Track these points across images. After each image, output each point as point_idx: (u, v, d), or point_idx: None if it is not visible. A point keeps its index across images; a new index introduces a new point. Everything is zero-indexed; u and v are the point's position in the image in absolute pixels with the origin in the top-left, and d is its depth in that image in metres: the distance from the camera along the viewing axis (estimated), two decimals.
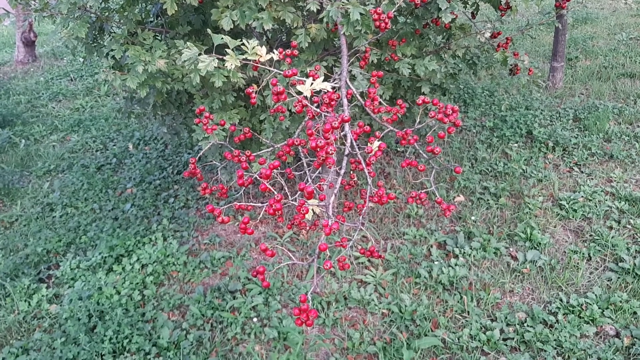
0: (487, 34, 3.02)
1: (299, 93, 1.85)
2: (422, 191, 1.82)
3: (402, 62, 2.93)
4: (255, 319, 3.16)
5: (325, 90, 1.83)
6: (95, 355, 2.94)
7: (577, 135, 5.00)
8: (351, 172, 2.00)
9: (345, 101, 1.99)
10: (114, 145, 5.73)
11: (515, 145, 4.91)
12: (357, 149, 1.84)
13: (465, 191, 4.31)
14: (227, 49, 2.02)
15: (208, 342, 3.05)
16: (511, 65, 3.47)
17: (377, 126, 3.07)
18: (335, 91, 2.10)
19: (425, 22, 3.00)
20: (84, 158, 5.45)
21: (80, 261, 3.72)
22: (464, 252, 3.59)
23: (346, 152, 1.71)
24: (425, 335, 3.00)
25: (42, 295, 3.47)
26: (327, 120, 1.69)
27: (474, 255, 3.55)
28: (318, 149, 1.42)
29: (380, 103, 2.06)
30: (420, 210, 4.09)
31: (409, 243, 3.76)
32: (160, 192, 4.65)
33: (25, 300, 3.44)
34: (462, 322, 3.08)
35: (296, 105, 1.81)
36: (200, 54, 2.06)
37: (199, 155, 2.11)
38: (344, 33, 2.33)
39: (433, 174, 1.98)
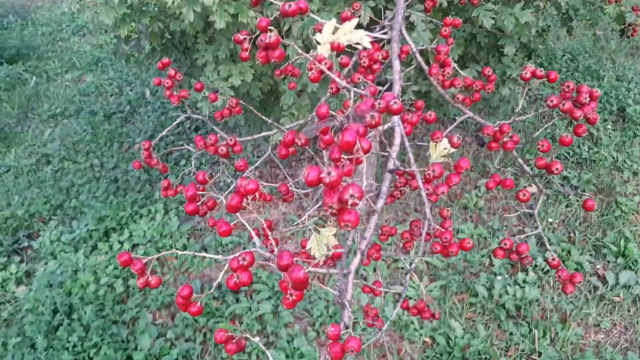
0: None
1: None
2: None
3: (483, 8, 2.06)
4: (257, 338, 2.46)
5: (363, 46, 1.01)
6: None
7: None
8: (396, 186, 1.21)
9: (396, 65, 1.19)
10: (131, 90, 5.04)
11: (608, 126, 3.95)
12: (410, 154, 1.05)
13: (539, 180, 3.43)
14: None
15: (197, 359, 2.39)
16: (624, 24, 2.58)
17: (444, 110, 2.24)
18: (382, 47, 1.29)
19: None
20: (95, 103, 4.79)
21: (63, 233, 3.10)
22: (536, 265, 2.78)
23: (390, 165, 0.92)
24: None
25: (11, 273, 2.88)
26: (363, 101, 0.90)
27: (548, 271, 2.74)
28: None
29: (456, 72, 1.25)
30: (481, 201, 3.26)
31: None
32: (172, 152, 3.96)
33: None
34: None
35: (310, 69, 1.02)
36: None
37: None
38: None
39: (540, 203, 1.18)
